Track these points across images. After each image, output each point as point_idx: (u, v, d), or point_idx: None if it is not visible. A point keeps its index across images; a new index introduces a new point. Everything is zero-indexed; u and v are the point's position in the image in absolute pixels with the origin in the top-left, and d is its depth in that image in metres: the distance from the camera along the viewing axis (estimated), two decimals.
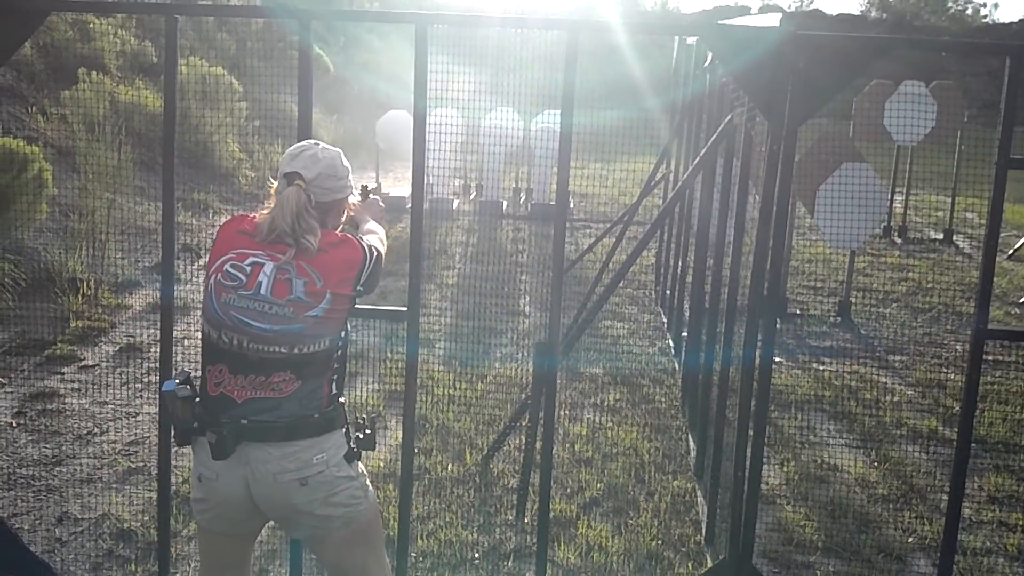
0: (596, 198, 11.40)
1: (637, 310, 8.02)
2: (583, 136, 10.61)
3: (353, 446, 2.59)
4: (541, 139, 11.24)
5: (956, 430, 3.38)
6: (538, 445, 3.88)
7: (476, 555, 4.08)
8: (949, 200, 11.65)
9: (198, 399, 2.52)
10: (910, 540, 4.46)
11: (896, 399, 6.22)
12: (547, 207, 11.35)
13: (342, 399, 2.61)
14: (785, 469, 5.08)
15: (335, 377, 2.55)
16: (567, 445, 5.19)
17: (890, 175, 11.37)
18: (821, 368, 6.76)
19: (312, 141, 2.65)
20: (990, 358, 6.93)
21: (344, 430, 2.58)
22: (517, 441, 4.98)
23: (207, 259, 2.61)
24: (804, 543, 4.33)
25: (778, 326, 7.55)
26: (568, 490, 4.71)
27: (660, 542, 4.25)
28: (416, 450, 4.79)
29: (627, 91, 12.96)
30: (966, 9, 41.07)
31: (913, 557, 4.32)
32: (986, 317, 3.22)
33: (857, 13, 39.19)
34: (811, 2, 43.60)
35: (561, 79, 3.14)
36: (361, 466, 2.65)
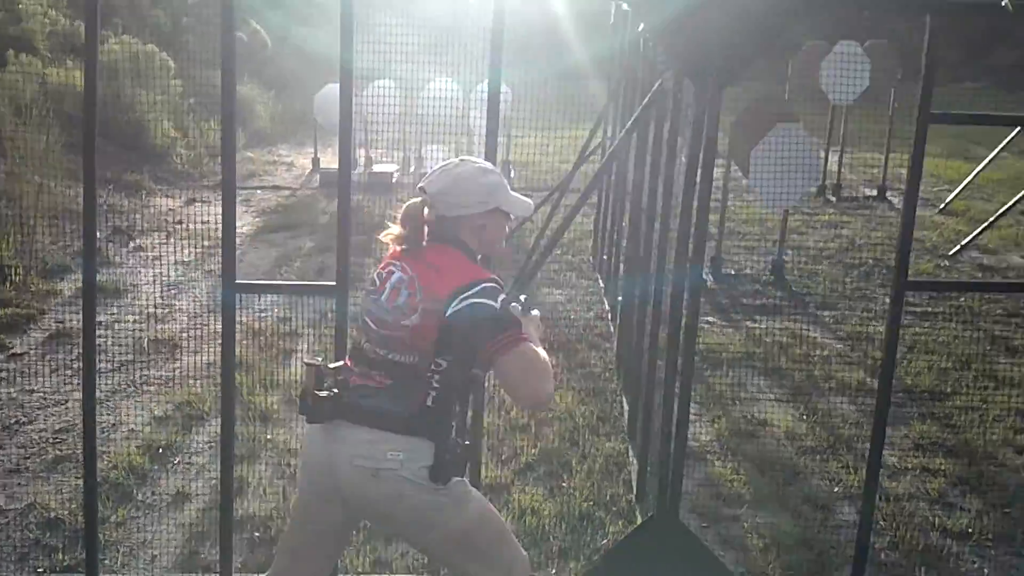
0: (537, 167, 11.36)
1: (575, 276, 8.06)
2: (523, 104, 10.53)
3: (439, 465, 2.51)
4: (481, 109, 11.15)
5: None
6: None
7: None
8: (883, 158, 11.81)
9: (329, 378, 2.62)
10: (836, 489, 4.58)
11: (826, 353, 6.35)
12: None
13: (445, 417, 2.54)
14: (716, 426, 5.17)
15: (433, 394, 2.51)
16: (502, 413, 5.22)
17: (825, 134, 11.50)
18: (753, 326, 6.87)
19: (460, 158, 2.69)
20: (919, 309, 7.09)
21: (435, 445, 2.51)
22: None
23: None
24: (732, 497, 4.43)
25: (712, 285, 7.65)
26: (503, 456, 4.75)
27: (592, 503, 4.31)
28: None
29: (569, 63, 12.96)
30: None
31: (838, 505, 4.44)
32: (906, 268, 3.30)
33: None
34: None
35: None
36: (460, 486, 2.58)
